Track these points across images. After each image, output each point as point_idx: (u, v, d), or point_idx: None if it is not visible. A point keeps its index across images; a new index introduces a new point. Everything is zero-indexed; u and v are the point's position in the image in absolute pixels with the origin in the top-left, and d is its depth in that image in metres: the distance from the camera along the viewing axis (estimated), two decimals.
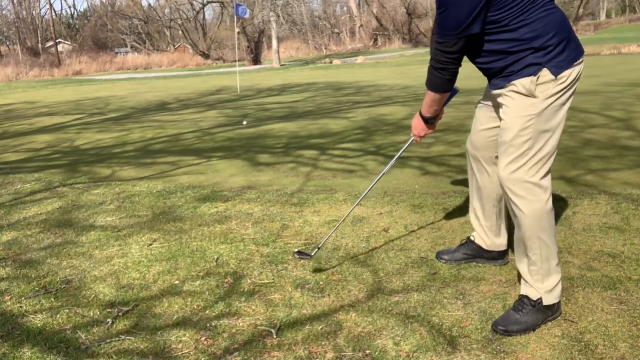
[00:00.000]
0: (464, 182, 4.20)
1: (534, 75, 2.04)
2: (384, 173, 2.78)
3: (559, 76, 2.03)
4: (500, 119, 2.21)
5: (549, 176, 2.16)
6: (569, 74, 2.05)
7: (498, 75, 2.16)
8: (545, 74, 2.03)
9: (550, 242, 2.16)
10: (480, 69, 2.24)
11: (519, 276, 2.34)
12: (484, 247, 2.68)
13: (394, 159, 2.72)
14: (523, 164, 2.10)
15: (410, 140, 2.56)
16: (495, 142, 2.38)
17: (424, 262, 2.77)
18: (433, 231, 3.19)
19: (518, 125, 2.09)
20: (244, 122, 8.04)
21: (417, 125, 2.44)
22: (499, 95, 2.19)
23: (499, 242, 2.65)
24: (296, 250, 2.72)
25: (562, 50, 2.03)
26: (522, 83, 2.06)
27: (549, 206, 2.14)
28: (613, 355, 1.95)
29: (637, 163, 4.49)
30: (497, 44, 2.07)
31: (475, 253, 2.71)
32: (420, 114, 2.40)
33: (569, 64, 2.05)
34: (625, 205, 3.44)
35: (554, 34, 2.02)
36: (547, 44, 2.02)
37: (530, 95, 2.06)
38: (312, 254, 2.71)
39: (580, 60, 2.09)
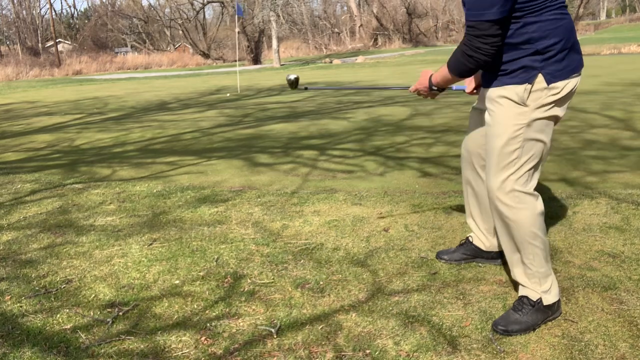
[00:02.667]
0: None
1: (529, 83, 1.98)
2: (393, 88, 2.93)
3: (551, 85, 1.98)
4: (487, 122, 2.16)
5: (535, 183, 2.14)
6: (563, 86, 1.99)
7: (492, 70, 2.09)
8: (539, 80, 1.98)
9: (543, 246, 2.14)
10: None
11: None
12: (483, 248, 2.68)
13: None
14: (512, 173, 2.07)
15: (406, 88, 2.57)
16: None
17: (424, 262, 2.77)
18: (433, 231, 3.19)
19: (507, 134, 2.04)
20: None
21: (423, 82, 2.38)
22: (489, 98, 2.12)
23: (495, 242, 2.64)
24: None
25: (562, 59, 1.98)
26: (516, 90, 2.00)
27: (538, 210, 2.12)
28: (613, 355, 1.95)
29: (637, 163, 4.49)
30: (518, 36, 1.98)
31: (474, 253, 2.71)
32: (430, 79, 2.34)
33: (566, 74, 1.99)
34: (626, 206, 3.44)
35: (559, 40, 1.96)
36: (549, 48, 1.96)
37: (522, 103, 2.01)
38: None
39: (578, 73, 2.03)
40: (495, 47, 1.96)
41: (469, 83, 2.56)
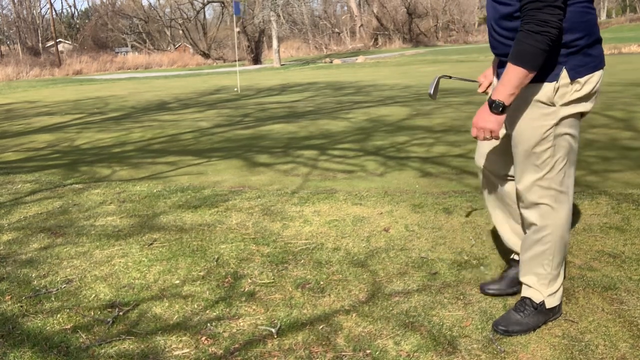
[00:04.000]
0: (465, 182, 4.20)
1: (556, 82, 1.89)
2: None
3: (575, 80, 1.91)
4: (510, 125, 2.04)
5: (572, 180, 2.06)
6: (586, 81, 1.92)
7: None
8: (563, 75, 1.90)
9: (565, 249, 2.11)
10: (498, 42, 2.01)
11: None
12: None
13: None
14: (547, 172, 1.99)
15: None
16: (508, 154, 2.19)
17: (424, 262, 2.77)
18: (433, 231, 3.19)
19: (536, 136, 1.96)
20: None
21: (489, 119, 1.94)
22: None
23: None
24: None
25: (585, 54, 1.91)
26: (544, 90, 1.91)
27: (570, 212, 2.07)
28: (613, 355, 1.95)
29: (637, 163, 4.49)
30: None
31: None
32: (493, 105, 1.91)
33: (589, 70, 1.92)
34: (626, 206, 3.44)
35: (584, 35, 1.89)
36: (574, 42, 1.88)
37: (549, 103, 1.92)
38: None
39: (601, 68, 1.96)
40: (560, 23, 1.80)
41: (482, 79, 2.36)
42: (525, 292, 2.20)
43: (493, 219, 2.43)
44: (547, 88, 1.92)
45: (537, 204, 2.05)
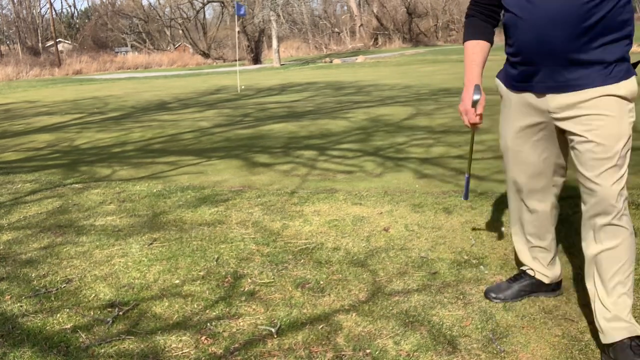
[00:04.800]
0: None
1: (635, 75, 1.81)
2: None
3: (632, 76, 1.85)
4: (584, 130, 1.86)
5: None
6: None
7: (586, 63, 1.82)
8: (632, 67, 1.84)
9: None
10: (575, 46, 1.81)
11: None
12: (546, 281, 2.32)
13: None
14: (622, 175, 1.84)
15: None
16: (550, 168, 2.09)
17: (424, 262, 2.77)
18: (433, 231, 3.19)
19: (626, 134, 1.83)
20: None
21: None
22: (599, 98, 1.83)
23: (557, 272, 2.33)
24: None
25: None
26: (627, 86, 1.82)
27: None
28: None
29: (637, 163, 4.48)
30: (625, 12, 1.77)
31: (533, 288, 2.34)
32: None
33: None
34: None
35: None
36: (632, 35, 1.82)
37: (632, 98, 1.83)
38: None
39: None
40: None
41: (472, 113, 2.13)
42: (622, 331, 1.89)
43: (514, 237, 2.36)
44: (630, 84, 1.84)
45: (623, 215, 1.85)
